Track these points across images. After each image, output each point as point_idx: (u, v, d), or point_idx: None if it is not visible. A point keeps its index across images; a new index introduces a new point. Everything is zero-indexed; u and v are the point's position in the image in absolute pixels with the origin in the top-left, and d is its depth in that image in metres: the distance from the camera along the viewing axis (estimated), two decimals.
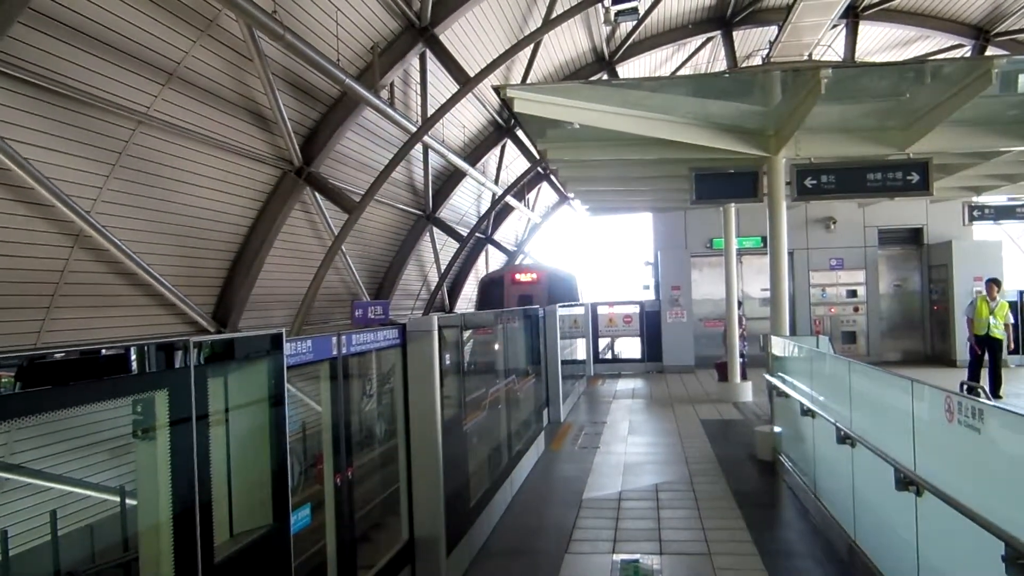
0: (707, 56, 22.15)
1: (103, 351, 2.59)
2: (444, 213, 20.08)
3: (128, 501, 3.79)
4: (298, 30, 9.96)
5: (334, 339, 4.38)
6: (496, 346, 8.75)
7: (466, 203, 22.12)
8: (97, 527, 4.06)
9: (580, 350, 19.55)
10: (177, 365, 2.89)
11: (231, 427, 3.33)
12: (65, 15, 7.41)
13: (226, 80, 10.08)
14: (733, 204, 14.18)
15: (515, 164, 22.86)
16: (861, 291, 19.74)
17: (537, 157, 20.99)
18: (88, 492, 6.49)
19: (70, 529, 4.09)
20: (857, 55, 18.80)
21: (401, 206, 17.89)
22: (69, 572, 3.70)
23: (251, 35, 9.45)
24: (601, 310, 20.57)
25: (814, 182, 9.67)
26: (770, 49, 17.16)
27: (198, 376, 2.96)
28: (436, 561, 5.48)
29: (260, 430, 3.56)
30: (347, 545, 4.50)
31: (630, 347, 20.91)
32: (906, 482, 4.20)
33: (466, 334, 6.95)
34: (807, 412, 6.98)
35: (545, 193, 27.55)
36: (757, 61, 19.59)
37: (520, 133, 19.56)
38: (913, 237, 19.86)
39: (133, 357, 2.70)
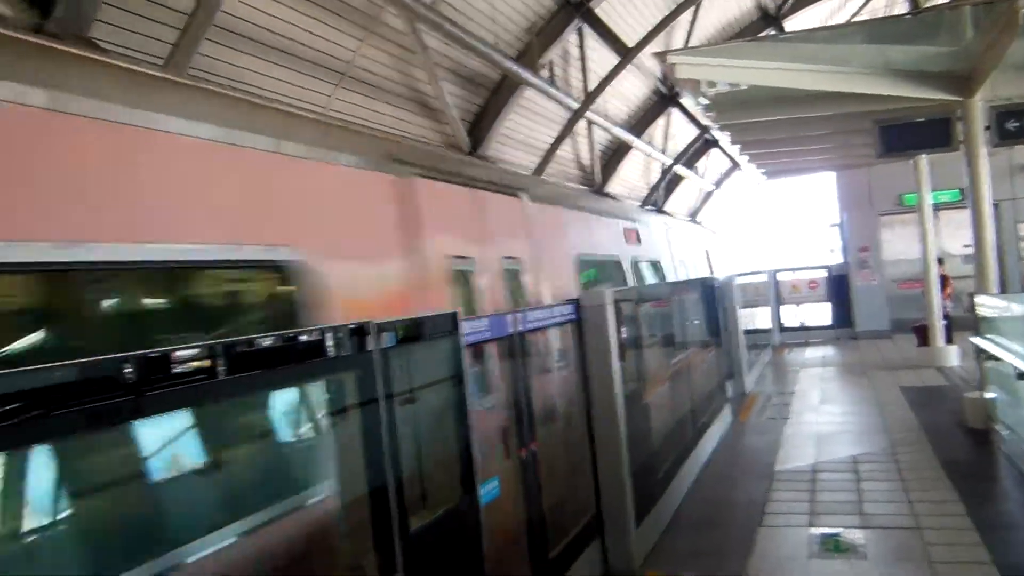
0: None
1: (302, 337, 2.76)
2: (613, 187, 19.86)
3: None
4: (456, 19, 10.14)
5: (510, 317, 4.44)
6: (674, 318, 8.59)
7: (634, 175, 21.77)
8: None
9: (764, 319, 18.94)
10: (367, 348, 3.02)
11: (418, 405, 3.44)
12: (246, 28, 7.92)
13: (393, 74, 10.43)
14: (924, 156, 13.14)
15: (683, 133, 22.27)
16: None
17: (705, 124, 20.43)
18: None
19: None
20: None
21: (570, 183, 17.91)
22: None
23: (413, 28, 9.73)
24: (784, 276, 19.77)
25: (1017, 124, 8.81)
26: None
27: (385, 357, 3.08)
28: (626, 532, 5.46)
29: (445, 407, 3.67)
30: (536, 516, 4.57)
31: (817, 314, 19.94)
32: None
33: (642, 307, 6.85)
34: None
35: (716, 159, 26.64)
36: None
37: (685, 100, 19.04)
38: None
39: (329, 341, 2.85)
